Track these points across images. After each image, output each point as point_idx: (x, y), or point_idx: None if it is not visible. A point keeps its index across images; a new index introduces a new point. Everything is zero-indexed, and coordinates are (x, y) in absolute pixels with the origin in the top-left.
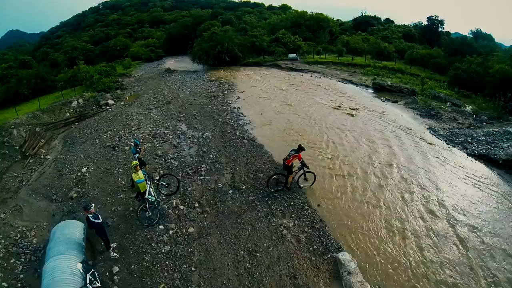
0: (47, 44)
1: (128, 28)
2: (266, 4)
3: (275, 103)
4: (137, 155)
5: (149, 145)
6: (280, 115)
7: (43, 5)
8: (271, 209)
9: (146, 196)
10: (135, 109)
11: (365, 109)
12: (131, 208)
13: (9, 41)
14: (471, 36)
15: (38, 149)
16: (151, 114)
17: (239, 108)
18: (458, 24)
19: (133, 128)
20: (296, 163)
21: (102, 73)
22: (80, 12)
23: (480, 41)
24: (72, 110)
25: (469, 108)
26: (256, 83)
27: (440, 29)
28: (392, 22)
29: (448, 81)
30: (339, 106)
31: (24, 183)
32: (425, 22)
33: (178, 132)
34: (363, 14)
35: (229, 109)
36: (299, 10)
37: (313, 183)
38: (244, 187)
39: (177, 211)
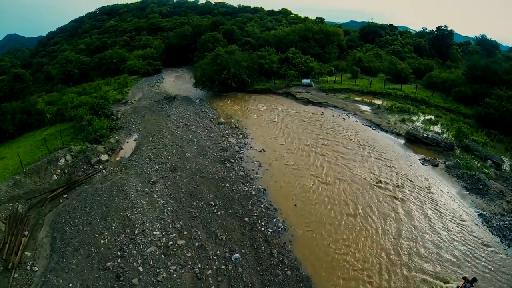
0: (44, 50)
1: (125, 36)
2: (265, 9)
3: (307, 179)
4: None
5: (164, 274)
6: (318, 206)
7: (42, 9)
8: None
9: None
10: (133, 180)
11: (408, 185)
12: None
13: (7, 45)
14: (474, 42)
15: (22, 252)
16: (155, 195)
17: (265, 190)
18: (456, 24)
19: (136, 231)
20: None
21: (94, 107)
22: (77, 18)
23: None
24: (59, 171)
25: (508, 164)
26: (274, 130)
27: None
28: (396, 28)
29: (476, 117)
30: (380, 182)
31: None
32: (421, 25)
33: (196, 244)
34: (370, 22)
35: (253, 193)
36: (304, 17)
37: None
38: None
39: None
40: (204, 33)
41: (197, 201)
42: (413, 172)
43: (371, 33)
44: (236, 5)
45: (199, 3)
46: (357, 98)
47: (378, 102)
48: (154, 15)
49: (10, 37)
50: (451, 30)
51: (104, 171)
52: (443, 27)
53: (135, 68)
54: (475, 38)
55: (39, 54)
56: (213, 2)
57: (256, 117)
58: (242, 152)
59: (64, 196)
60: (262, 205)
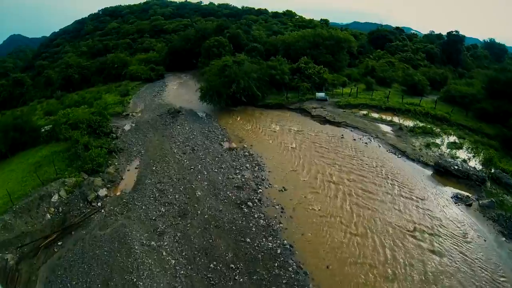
0: (46, 52)
1: (128, 38)
2: (269, 10)
3: (336, 229)
4: None
5: None
6: (353, 268)
7: (46, 10)
8: None
9: None
10: (137, 227)
11: (444, 233)
12: None
13: (11, 45)
14: (482, 45)
15: None
16: (164, 252)
17: (291, 247)
18: (454, 24)
19: None
20: None
21: (91, 125)
22: (80, 19)
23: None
24: (53, 210)
25: None
26: (293, 159)
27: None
28: (403, 31)
29: (501, 139)
30: (415, 229)
31: None
32: (422, 26)
33: None
34: (379, 27)
35: (278, 250)
36: (309, 19)
37: None
38: None
39: None
40: (208, 37)
41: (215, 263)
42: (447, 215)
43: (380, 38)
44: (240, 7)
45: (202, 4)
46: (376, 116)
47: (399, 120)
48: (157, 17)
49: (14, 38)
50: (462, 36)
51: (103, 210)
52: (454, 32)
53: (137, 73)
54: (483, 42)
55: (41, 55)
56: (216, 4)
57: (270, 141)
58: (260, 192)
59: (59, 243)
60: (290, 268)
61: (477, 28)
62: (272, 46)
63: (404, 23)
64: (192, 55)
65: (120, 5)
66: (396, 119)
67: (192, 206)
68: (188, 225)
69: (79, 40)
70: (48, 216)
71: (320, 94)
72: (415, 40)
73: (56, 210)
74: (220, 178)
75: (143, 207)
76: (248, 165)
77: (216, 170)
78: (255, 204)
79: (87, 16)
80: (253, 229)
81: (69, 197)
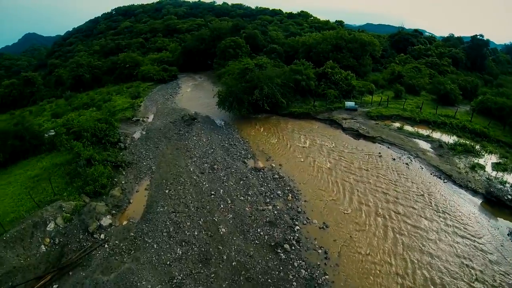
0: (59, 51)
1: (140, 38)
2: (283, 10)
3: (391, 283)
4: None
5: None
6: None
7: (60, 9)
8: None
9: None
10: (147, 275)
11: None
12: None
13: (26, 44)
14: (502, 49)
15: None
16: None
17: None
18: (453, 24)
19: None
20: None
21: (97, 133)
22: (93, 18)
23: None
24: (48, 240)
25: None
26: (330, 184)
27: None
28: (421, 34)
29: None
30: (476, 280)
31: None
32: (435, 28)
33: None
34: (401, 29)
35: None
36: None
37: None
38: None
39: None
40: (223, 37)
41: None
42: (506, 259)
43: (402, 41)
44: (254, 7)
45: (216, 4)
46: (411, 130)
47: (436, 135)
48: (170, 16)
49: (29, 36)
50: (487, 40)
51: (106, 245)
52: (478, 36)
53: (150, 74)
54: (503, 46)
55: (54, 54)
56: (230, 4)
57: (302, 159)
58: (298, 229)
59: (55, 286)
60: None
61: (496, 32)
62: (290, 48)
63: (418, 25)
64: (206, 55)
65: (133, 5)
66: (433, 134)
67: (215, 247)
68: (212, 275)
69: (92, 39)
70: (43, 248)
71: (350, 103)
72: (436, 44)
73: (52, 241)
74: (247, 209)
75: (155, 246)
76: (279, 191)
77: (242, 197)
78: (293, 247)
79: (100, 15)
80: (294, 283)
81: (67, 226)
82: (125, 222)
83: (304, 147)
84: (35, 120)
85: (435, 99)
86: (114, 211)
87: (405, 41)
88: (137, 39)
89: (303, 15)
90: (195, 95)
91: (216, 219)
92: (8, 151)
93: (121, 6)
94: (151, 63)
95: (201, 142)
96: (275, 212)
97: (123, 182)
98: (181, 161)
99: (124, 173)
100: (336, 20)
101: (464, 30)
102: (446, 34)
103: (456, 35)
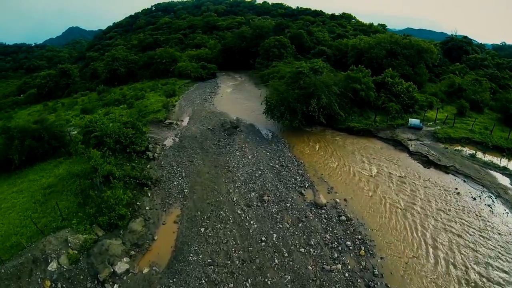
0: (99, 44)
1: (179, 33)
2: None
3: None
4: None
5: None
6: None
7: (104, 3)
8: None
9: None
10: None
11: None
12: None
13: (69, 37)
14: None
15: None
16: None
17: None
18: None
19: None
20: None
21: (121, 139)
22: (133, 14)
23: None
24: (49, 284)
25: None
26: (407, 231)
27: None
28: (471, 41)
29: None
30: None
31: None
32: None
33: None
34: (453, 36)
35: None
36: (369, 23)
37: None
38: None
39: None
40: (266, 36)
41: None
42: None
43: (455, 49)
44: (294, 7)
45: (256, 3)
46: (485, 158)
47: None
48: (209, 13)
49: (72, 30)
50: None
51: None
52: None
53: (187, 71)
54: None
55: (94, 47)
56: (270, 3)
57: (369, 193)
58: None
59: None
60: None
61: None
62: (338, 51)
63: (461, 31)
64: (247, 54)
65: (173, 1)
66: (510, 165)
67: None
68: None
69: (131, 34)
70: None
71: (415, 121)
72: (492, 53)
73: (53, 286)
74: (310, 268)
75: None
76: (349, 242)
77: (302, 249)
78: None
79: (140, 11)
80: None
81: (71, 269)
82: (146, 270)
83: (370, 175)
84: (63, 114)
85: (500, 119)
86: (133, 252)
87: (458, 49)
88: (175, 35)
89: (346, 17)
90: (235, 97)
91: (269, 282)
92: (25, 152)
93: (161, 2)
94: (189, 59)
95: (246, 160)
96: (346, 274)
97: (147, 208)
98: (221, 185)
99: (149, 194)
100: (379, 24)
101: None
102: (493, 42)
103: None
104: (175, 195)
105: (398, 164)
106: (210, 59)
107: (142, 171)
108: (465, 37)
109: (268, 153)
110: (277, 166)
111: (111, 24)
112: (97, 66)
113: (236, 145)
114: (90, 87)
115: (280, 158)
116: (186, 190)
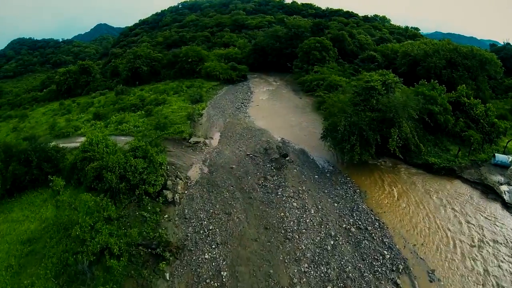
0: (124, 41)
1: (206, 31)
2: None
3: None
4: None
5: None
6: None
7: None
8: None
9: None
10: None
11: None
12: None
13: (96, 34)
14: None
15: None
16: None
17: None
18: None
19: None
20: None
21: (128, 176)
22: (159, 11)
23: None
24: None
25: None
26: None
27: None
28: None
29: None
30: None
31: None
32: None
33: None
34: (506, 45)
35: None
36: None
37: None
38: None
39: None
40: (302, 36)
41: None
42: None
43: (508, 59)
44: (324, 8)
45: (285, 2)
46: None
47: None
48: (238, 11)
49: (100, 27)
50: None
51: None
52: None
53: (215, 72)
54: None
55: (119, 44)
56: (300, 3)
57: (479, 278)
58: None
59: None
60: None
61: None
62: (384, 57)
63: (489, 36)
64: (281, 55)
65: None
66: None
67: None
68: None
69: (157, 31)
70: None
71: (502, 158)
72: None
73: None
74: None
75: None
76: None
77: None
78: None
79: (166, 8)
80: None
81: None
82: None
83: (472, 245)
84: (75, 118)
85: None
86: None
87: (511, 59)
88: (202, 33)
89: (380, 19)
90: (274, 107)
91: None
92: (8, 182)
93: (188, 0)
94: (217, 59)
95: (308, 216)
96: None
97: None
98: (279, 268)
99: (167, 275)
100: (412, 27)
101: None
102: None
103: None
104: (207, 280)
105: (496, 224)
106: (240, 59)
107: (156, 227)
108: (508, 43)
109: (335, 204)
110: (353, 229)
111: (137, 21)
112: (119, 63)
113: (290, 187)
114: (110, 85)
115: (354, 214)
116: (225, 274)
